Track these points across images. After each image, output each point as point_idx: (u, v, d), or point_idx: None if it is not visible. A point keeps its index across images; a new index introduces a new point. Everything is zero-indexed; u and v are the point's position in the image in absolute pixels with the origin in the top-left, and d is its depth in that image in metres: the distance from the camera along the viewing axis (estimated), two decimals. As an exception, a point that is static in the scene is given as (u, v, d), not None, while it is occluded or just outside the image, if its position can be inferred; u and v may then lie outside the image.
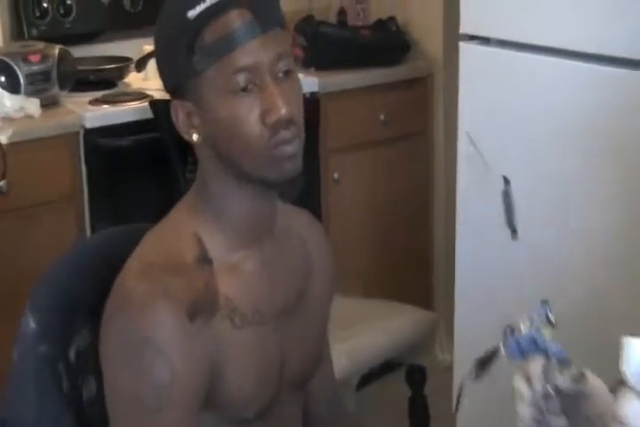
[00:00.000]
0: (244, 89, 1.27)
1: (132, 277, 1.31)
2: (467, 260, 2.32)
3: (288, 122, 1.27)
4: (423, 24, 3.33)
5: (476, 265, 2.27)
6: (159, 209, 2.71)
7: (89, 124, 2.75)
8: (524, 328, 1.11)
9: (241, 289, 1.34)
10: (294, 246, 1.45)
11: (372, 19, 3.43)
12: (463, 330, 2.29)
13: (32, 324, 1.40)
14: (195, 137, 1.32)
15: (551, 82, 2.08)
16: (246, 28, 1.26)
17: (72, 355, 1.43)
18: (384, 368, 2.60)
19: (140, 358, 1.25)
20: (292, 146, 1.29)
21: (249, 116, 1.27)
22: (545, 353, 1.10)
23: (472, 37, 2.21)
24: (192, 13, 1.26)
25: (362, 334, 2.45)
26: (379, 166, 3.24)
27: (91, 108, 2.84)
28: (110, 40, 3.21)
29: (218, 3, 1.27)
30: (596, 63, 1.99)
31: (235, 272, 1.35)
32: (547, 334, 1.11)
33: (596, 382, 1.13)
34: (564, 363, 1.10)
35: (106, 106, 2.85)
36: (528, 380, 1.12)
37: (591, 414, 1.12)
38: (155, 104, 2.67)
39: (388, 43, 3.27)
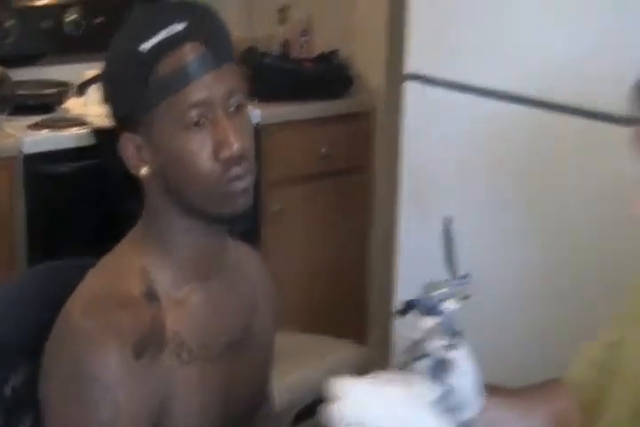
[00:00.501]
0: (197, 124, 1.25)
1: (77, 312, 1.28)
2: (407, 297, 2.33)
3: (240, 158, 1.27)
4: (366, 59, 3.35)
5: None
6: (98, 239, 2.72)
7: (28, 149, 2.71)
8: (439, 291, 1.19)
9: (188, 324, 1.33)
10: (240, 281, 1.44)
11: (316, 52, 3.44)
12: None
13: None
14: (144, 171, 1.31)
15: (490, 122, 2.10)
16: (200, 63, 1.26)
17: (8, 392, 1.39)
18: (319, 404, 2.58)
19: (85, 396, 1.23)
20: (244, 182, 1.29)
21: (201, 151, 1.26)
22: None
23: (417, 77, 2.23)
24: (145, 46, 1.25)
25: (297, 369, 2.44)
26: (319, 200, 3.24)
27: (30, 132, 2.80)
28: (50, 64, 3.17)
29: (172, 36, 1.26)
30: (530, 106, 2.02)
31: (182, 307, 1.33)
32: (455, 303, 1.18)
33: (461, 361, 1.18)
34: (448, 331, 1.17)
35: (45, 131, 2.81)
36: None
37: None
38: (98, 131, 2.64)
39: (331, 76, 3.29)
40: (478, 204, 2.11)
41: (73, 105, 3.08)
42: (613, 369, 1.38)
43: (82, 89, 3.06)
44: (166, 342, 1.30)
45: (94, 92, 3.12)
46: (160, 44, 1.25)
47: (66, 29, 3.16)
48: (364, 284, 3.43)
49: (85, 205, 2.81)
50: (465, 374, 1.21)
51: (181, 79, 1.25)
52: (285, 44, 3.46)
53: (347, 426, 1.14)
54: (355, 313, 3.39)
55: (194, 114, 1.25)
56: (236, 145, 1.25)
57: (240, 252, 1.46)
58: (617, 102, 1.84)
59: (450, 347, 1.18)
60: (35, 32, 3.12)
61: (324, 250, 3.29)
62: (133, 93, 1.27)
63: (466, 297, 1.20)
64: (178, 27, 1.26)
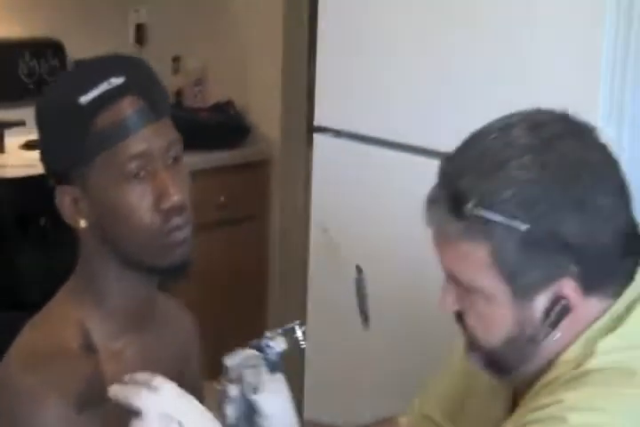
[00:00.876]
0: (136, 176, 1.26)
1: (16, 368, 1.26)
2: (317, 346, 2.34)
3: (180, 208, 1.27)
4: (261, 109, 3.39)
5: (326, 352, 2.29)
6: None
7: None
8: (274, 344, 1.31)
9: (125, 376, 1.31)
10: (173, 333, 1.44)
11: (210, 101, 3.46)
12: (311, 416, 2.29)
13: None
14: (82, 223, 1.30)
15: (399, 174, 2.14)
16: (139, 116, 1.26)
17: None
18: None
19: None
20: (184, 232, 1.29)
21: (141, 203, 1.26)
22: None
23: (324, 129, 2.26)
24: (84, 99, 1.25)
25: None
26: (216, 248, 3.23)
27: None
28: None
29: (111, 89, 1.26)
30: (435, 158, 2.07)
31: (119, 359, 1.32)
32: (282, 344, 1.30)
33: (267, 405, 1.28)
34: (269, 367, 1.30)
35: None
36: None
37: None
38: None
39: (228, 125, 3.31)
40: (389, 253, 2.14)
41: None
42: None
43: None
44: (106, 394, 1.28)
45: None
46: (100, 97, 1.25)
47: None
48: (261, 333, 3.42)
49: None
50: (271, 421, 1.29)
51: (120, 132, 1.25)
52: (179, 93, 3.47)
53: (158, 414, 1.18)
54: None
55: (133, 166, 1.25)
56: (176, 196, 1.26)
57: (168, 305, 1.46)
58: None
59: (254, 389, 1.28)
60: None
61: (222, 298, 3.28)
62: (71, 146, 1.26)
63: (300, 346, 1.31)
64: (117, 80, 1.26)
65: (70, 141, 1.26)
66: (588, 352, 1.17)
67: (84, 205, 1.29)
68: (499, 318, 1.20)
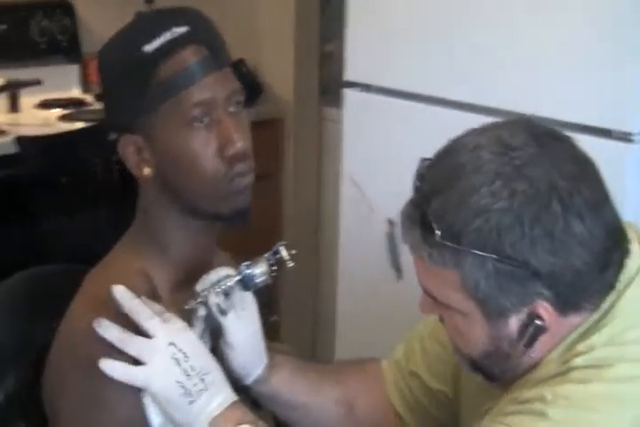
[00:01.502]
0: (200, 123, 1.27)
1: (84, 316, 1.27)
2: (349, 300, 2.37)
3: (243, 155, 1.28)
4: (274, 67, 3.39)
5: (359, 305, 2.32)
6: (19, 250, 2.66)
7: (-56, 159, 2.65)
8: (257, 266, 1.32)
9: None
10: None
11: (221, 60, 3.46)
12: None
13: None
14: (146, 171, 1.31)
15: (427, 127, 2.16)
16: (203, 64, 1.27)
17: (0, 398, 1.38)
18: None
19: (103, 397, 1.24)
20: (247, 179, 1.30)
21: (205, 150, 1.27)
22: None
23: (354, 84, 2.28)
24: (148, 48, 1.26)
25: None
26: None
27: (-57, 142, 2.73)
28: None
29: (175, 38, 1.27)
30: (469, 111, 2.09)
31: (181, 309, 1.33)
32: (261, 268, 1.32)
33: (231, 326, 1.31)
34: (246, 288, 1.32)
35: (-42, 140, 2.75)
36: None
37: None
38: (20, 140, 2.60)
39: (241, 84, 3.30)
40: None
41: (-19, 114, 3.03)
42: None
43: (-8, 97, 3.01)
44: None
45: (2, 102, 3.08)
46: (163, 45, 1.26)
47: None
48: (276, 290, 3.45)
49: (3, 215, 2.76)
50: (231, 344, 1.33)
51: (184, 80, 1.26)
52: (190, 54, 3.45)
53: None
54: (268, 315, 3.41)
55: (197, 113, 1.26)
56: (240, 143, 1.27)
57: (220, 255, 1.47)
58: (551, 109, 1.95)
59: (221, 311, 1.30)
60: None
61: (235, 254, 3.29)
62: (135, 95, 1.27)
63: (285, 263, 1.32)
64: (179, 30, 1.27)
65: (134, 90, 1.27)
66: (572, 352, 1.18)
67: (148, 154, 1.30)
68: (474, 334, 1.21)
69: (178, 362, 1.23)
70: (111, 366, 1.22)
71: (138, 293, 1.29)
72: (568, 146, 1.19)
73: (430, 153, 1.20)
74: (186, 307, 1.29)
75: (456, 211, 1.14)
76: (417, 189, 1.20)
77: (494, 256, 1.12)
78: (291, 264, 1.32)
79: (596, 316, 1.19)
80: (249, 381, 1.38)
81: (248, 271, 1.31)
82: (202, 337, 1.31)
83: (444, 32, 2.11)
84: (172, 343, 1.23)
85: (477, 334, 1.21)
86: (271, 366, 1.40)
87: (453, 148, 1.19)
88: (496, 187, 1.13)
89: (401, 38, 2.18)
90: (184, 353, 1.23)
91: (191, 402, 1.23)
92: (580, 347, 1.18)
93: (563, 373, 1.17)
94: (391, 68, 2.21)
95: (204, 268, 1.36)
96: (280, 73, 3.36)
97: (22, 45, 3.22)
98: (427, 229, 1.15)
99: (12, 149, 2.67)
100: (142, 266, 1.33)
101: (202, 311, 1.31)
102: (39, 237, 2.66)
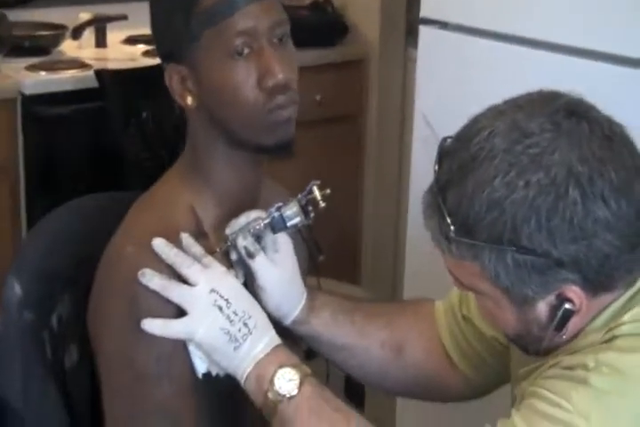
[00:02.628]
0: (241, 53, 1.25)
1: (129, 244, 1.29)
2: (416, 238, 2.35)
3: (284, 87, 1.27)
4: (360, 7, 3.35)
5: (426, 246, 2.30)
6: (97, 181, 2.71)
7: (28, 91, 2.69)
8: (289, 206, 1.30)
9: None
10: None
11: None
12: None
13: (17, 290, 1.38)
14: (189, 101, 1.30)
15: (506, 67, 2.11)
16: None
17: (54, 323, 1.41)
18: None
19: (138, 326, 1.24)
20: (288, 111, 1.29)
21: (246, 80, 1.26)
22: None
23: (430, 21, 2.23)
24: None
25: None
26: (313, 146, 3.25)
27: (28, 74, 2.78)
28: (44, 6, 3.14)
29: None
30: (549, 50, 2.03)
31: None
32: (293, 209, 1.29)
33: (260, 269, 1.30)
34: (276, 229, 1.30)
35: (44, 73, 2.80)
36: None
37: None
38: (100, 74, 2.63)
39: (326, 24, 3.28)
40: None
41: (68, 48, 3.07)
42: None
43: (76, 32, 3.04)
44: None
45: (88, 36, 3.11)
46: None
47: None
48: (357, 228, 3.46)
49: (84, 146, 2.80)
50: (262, 286, 1.32)
51: (227, 8, 1.25)
52: (278, -8, 3.44)
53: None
54: (348, 255, 3.43)
55: (239, 43, 1.25)
56: (280, 75, 1.25)
57: (275, 191, 1.47)
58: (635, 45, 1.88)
59: (248, 253, 1.29)
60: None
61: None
62: (178, 23, 1.27)
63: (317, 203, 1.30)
64: None
65: (179, 18, 1.26)
66: (616, 321, 1.15)
67: (192, 84, 1.29)
68: (504, 317, 1.20)
69: (220, 309, 1.23)
70: (150, 325, 1.23)
71: (183, 229, 1.30)
72: (590, 122, 1.13)
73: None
74: (217, 250, 1.29)
75: (470, 204, 1.11)
76: (435, 177, 1.17)
77: (512, 249, 1.10)
78: (323, 204, 1.30)
79: (635, 288, 1.16)
80: (287, 322, 1.38)
81: (277, 213, 1.30)
82: (239, 279, 1.31)
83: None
84: (213, 290, 1.24)
85: (508, 318, 1.19)
86: (311, 308, 1.40)
87: (469, 134, 1.15)
88: (510, 178, 1.10)
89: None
90: (226, 299, 1.24)
91: (236, 348, 1.23)
92: (626, 317, 1.15)
93: (607, 340, 1.15)
94: (467, 4, 2.16)
95: (250, 202, 1.36)
96: (366, 13, 3.33)
97: (111, -19, 3.24)
98: (442, 224, 1.13)
99: (95, 83, 2.70)
100: (188, 200, 1.33)
101: (233, 255, 1.31)
102: (119, 168, 2.70)
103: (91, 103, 2.72)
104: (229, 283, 1.27)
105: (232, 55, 1.26)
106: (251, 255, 1.30)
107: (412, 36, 3.26)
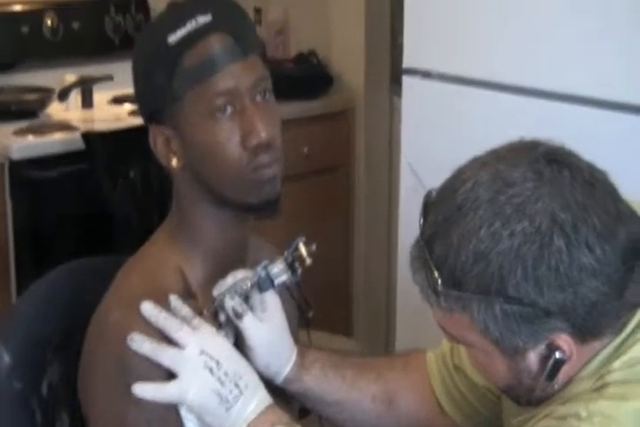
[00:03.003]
0: (224, 112, 1.26)
1: (116, 310, 1.29)
2: (408, 290, 2.35)
3: (267, 146, 1.27)
4: (344, 57, 3.37)
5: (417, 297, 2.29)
6: (86, 243, 2.71)
7: (15, 156, 2.70)
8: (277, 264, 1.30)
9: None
10: None
11: (292, 52, 3.47)
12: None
13: (6, 358, 1.37)
14: (174, 162, 1.31)
15: (490, 114, 2.12)
16: (227, 52, 1.27)
17: (44, 390, 1.40)
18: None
19: (128, 390, 1.23)
20: (272, 169, 1.29)
21: (229, 139, 1.27)
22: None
23: (413, 71, 2.25)
24: (173, 38, 1.26)
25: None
26: (302, 199, 3.25)
27: (15, 139, 2.79)
28: (30, 70, 3.16)
29: (199, 28, 1.27)
30: (531, 96, 2.05)
31: None
32: (280, 267, 1.29)
33: (249, 329, 1.30)
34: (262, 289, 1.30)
35: (31, 137, 2.81)
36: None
37: None
38: (87, 136, 2.64)
39: (311, 76, 3.31)
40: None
41: (55, 110, 3.08)
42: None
43: (63, 94, 3.06)
44: None
45: (75, 98, 3.13)
46: (187, 35, 1.26)
47: (45, 34, 3.15)
48: (348, 279, 3.45)
49: (74, 209, 2.80)
50: (250, 346, 1.31)
51: (208, 69, 1.26)
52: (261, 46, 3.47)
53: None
54: (340, 307, 3.41)
55: (221, 102, 1.26)
56: (263, 133, 1.26)
57: (262, 249, 1.46)
58: (616, 91, 1.90)
59: (236, 314, 1.29)
60: (14, 37, 3.11)
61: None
62: (161, 85, 1.28)
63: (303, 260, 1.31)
64: (204, 18, 1.27)
65: (160, 80, 1.27)
66: (606, 368, 1.15)
67: (176, 145, 1.30)
68: (496, 368, 1.19)
69: (211, 370, 1.23)
70: (141, 389, 1.23)
71: (171, 290, 1.30)
72: (571, 169, 1.13)
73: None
74: (204, 312, 1.29)
75: (457, 256, 1.11)
76: (421, 230, 1.17)
77: (499, 299, 1.09)
78: (309, 261, 1.30)
79: (624, 334, 1.15)
80: (279, 380, 1.38)
81: (263, 272, 1.30)
82: (229, 340, 1.31)
83: (502, 16, 2.07)
84: (203, 352, 1.24)
85: (499, 368, 1.18)
86: (301, 365, 1.39)
87: (454, 185, 1.15)
88: (495, 228, 1.09)
89: (459, 23, 2.15)
90: (216, 361, 1.24)
91: (228, 409, 1.23)
92: (616, 364, 1.14)
93: (598, 388, 1.14)
94: (450, 53, 2.18)
95: (237, 261, 1.36)
96: (351, 63, 3.35)
97: (96, 42, 3.27)
98: (430, 278, 1.13)
99: (83, 145, 2.71)
100: (176, 261, 1.33)
101: (221, 316, 1.30)
102: (107, 229, 2.70)
103: (78, 165, 2.72)
104: (219, 344, 1.26)
105: (214, 115, 1.26)
106: (238, 316, 1.29)
107: (397, 85, 3.28)
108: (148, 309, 1.25)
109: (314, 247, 1.32)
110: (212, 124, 1.27)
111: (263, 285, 1.30)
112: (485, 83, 2.12)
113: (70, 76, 3.12)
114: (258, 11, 3.49)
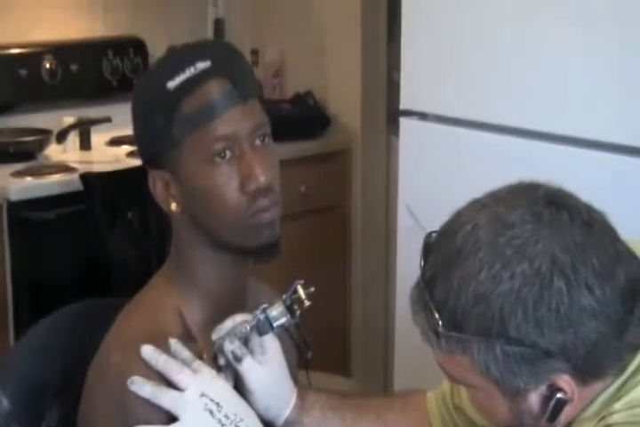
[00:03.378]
0: (223, 158, 1.27)
1: (117, 350, 1.29)
2: (406, 330, 2.34)
3: (266, 190, 1.28)
4: (341, 98, 3.39)
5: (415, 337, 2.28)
6: (85, 285, 2.71)
7: (13, 197, 2.71)
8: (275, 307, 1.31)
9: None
10: None
11: (289, 93, 3.49)
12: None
13: (4, 402, 1.37)
14: (173, 206, 1.32)
15: (487, 156, 2.13)
16: (226, 98, 1.27)
17: (44, 434, 1.40)
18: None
19: None
20: (271, 213, 1.30)
21: (228, 184, 1.27)
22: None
23: (410, 113, 2.26)
24: (171, 84, 1.27)
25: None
26: (299, 238, 3.26)
27: (14, 180, 2.80)
28: (28, 112, 3.18)
29: (197, 74, 1.27)
30: (529, 138, 2.06)
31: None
32: (279, 310, 1.30)
33: (248, 372, 1.29)
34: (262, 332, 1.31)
35: (29, 178, 2.82)
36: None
37: None
38: (85, 177, 2.65)
39: (308, 117, 3.32)
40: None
41: (53, 152, 3.10)
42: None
43: (61, 136, 3.07)
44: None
45: (72, 139, 3.14)
46: (186, 81, 1.27)
47: (43, 77, 3.16)
48: (346, 319, 3.45)
49: (72, 250, 2.81)
50: (250, 389, 1.31)
51: (207, 114, 1.27)
52: (258, 86, 3.49)
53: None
54: (338, 348, 3.40)
55: (220, 147, 1.27)
56: (262, 178, 1.27)
57: (261, 291, 1.47)
58: (615, 133, 1.91)
59: (235, 358, 1.29)
60: (12, 79, 3.12)
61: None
62: (160, 130, 1.28)
63: (301, 302, 1.32)
64: (203, 65, 1.28)
65: (159, 125, 1.28)
66: (608, 410, 1.15)
67: (175, 189, 1.30)
68: (496, 409, 1.19)
69: (211, 413, 1.23)
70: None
71: (170, 333, 1.30)
72: (570, 211, 1.14)
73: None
74: (204, 356, 1.29)
75: (457, 299, 1.11)
76: (421, 272, 1.18)
77: (500, 340, 1.10)
78: (308, 303, 1.31)
79: (624, 376, 1.15)
80: (279, 423, 1.37)
81: (262, 315, 1.30)
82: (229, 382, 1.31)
83: (500, 58, 2.08)
84: (203, 394, 1.24)
85: (500, 409, 1.18)
86: (301, 407, 1.39)
87: (453, 227, 1.16)
88: (496, 270, 1.10)
89: (457, 65, 2.16)
90: (217, 403, 1.24)
91: None
92: (617, 405, 1.14)
93: None
94: (448, 96, 2.19)
95: (236, 303, 1.36)
96: (347, 104, 3.37)
97: (94, 84, 3.29)
98: (430, 320, 1.14)
99: (81, 186, 2.71)
100: (175, 304, 1.34)
101: (221, 360, 1.31)
102: (106, 270, 2.70)
103: (76, 206, 2.73)
104: (219, 386, 1.26)
105: (213, 160, 1.27)
106: (238, 359, 1.30)
107: (394, 125, 3.30)
108: (149, 352, 1.25)
109: (312, 289, 1.32)
110: (210, 168, 1.27)
111: (262, 328, 1.30)
112: (483, 125, 2.14)
113: (68, 118, 3.14)
114: (255, 52, 3.51)
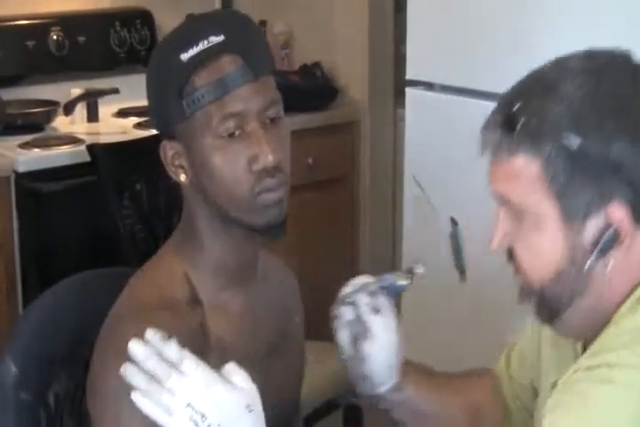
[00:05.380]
0: (232, 135, 1.26)
1: (125, 318, 1.29)
2: (412, 301, 2.35)
3: (274, 169, 1.26)
4: (348, 70, 3.39)
5: (422, 307, 2.30)
6: (92, 256, 2.72)
7: (21, 169, 2.72)
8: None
9: (230, 329, 1.35)
10: (274, 289, 1.45)
11: (297, 64, 3.48)
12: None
13: (13, 370, 1.38)
14: (182, 177, 1.32)
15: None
16: (238, 74, 1.26)
17: (51, 401, 1.41)
18: (325, 409, 2.60)
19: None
20: (277, 193, 1.28)
21: (235, 162, 1.26)
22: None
23: (417, 83, 2.26)
24: (184, 56, 1.26)
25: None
26: (306, 210, 3.26)
27: (22, 151, 2.80)
28: (36, 83, 3.18)
29: (211, 47, 1.26)
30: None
31: (223, 313, 1.35)
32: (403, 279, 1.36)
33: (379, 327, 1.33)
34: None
35: (37, 150, 2.82)
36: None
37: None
38: (92, 148, 2.65)
39: (316, 88, 3.32)
40: (484, 206, 2.14)
41: (61, 124, 3.10)
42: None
43: (69, 108, 3.07)
44: (210, 348, 1.31)
45: (80, 111, 3.15)
46: (199, 54, 1.26)
47: (51, 48, 3.16)
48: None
49: (79, 222, 2.82)
50: (380, 345, 1.33)
51: (218, 90, 1.26)
52: (266, 58, 3.48)
53: None
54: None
55: (229, 125, 1.26)
56: (270, 157, 1.25)
57: (271, 262, 1.47)
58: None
59: (374, 309, 1.33)
60: (20, 52, 3.12)
61: (312, 258, 3.30)
62: (171, 102, 1.28)
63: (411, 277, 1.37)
64: (216, 39, 1.27)
65: (172, 97, 1.27)
66: None
67: (184, 161, 1.30)
68: (548, 248, 1.18)
69: (196, 423, 1.16)
70: (141, 401, 1.16)
71: (178, 298, 1.30)
72: None
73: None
74: (334, 312, 1.34)
75: (538, 101, 1.16)
76: (499, 102, 1.21)
77: (574, 143, 1.12)
78: (424, 279, 1.37)
79: None
80: (383, 389, 1.37)
81: (390, 277, 1.36)
82: (346, 343, 1.36)
83: (506, 27, 2.08)
84: (189, 405, 1.16)
85: (551, 248, 1.18)
86: (403, 374, 1.39)
87: (539, 66, 1.22)
88: (580, 79, 1.16)
89: (462, 35, 2.16)
90: (202, 413, 1.16)
91: None
92: None
93: (633, 332, 1.14)
94: (453, 65, 2.19)
95: (246, 274, 1.37)
96: (355, 75, 3.36)
97: (101, 56, 3.29)
98: (509, 121, 1.16)
99: (88, 157, 2.72)
100: (184, 270, 1.34)
101: (348, 314, 1.35)
102: (113, 242, 2.71)
103: (84, 178, 2.73)
104: (206, 394, 1.17)
105: (222, 136, 1.26)
106: (376, 311, 1.33)
107: (401, 97, 3.29)
108: (138, 353, 1.16)
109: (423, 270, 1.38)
110: (219, 145, 1.26)
111: (391, 288, 1.36)
112: (488, 94, 2.13)
113: (76, 90, 3.14)
114: (263, 23, 3.50)
